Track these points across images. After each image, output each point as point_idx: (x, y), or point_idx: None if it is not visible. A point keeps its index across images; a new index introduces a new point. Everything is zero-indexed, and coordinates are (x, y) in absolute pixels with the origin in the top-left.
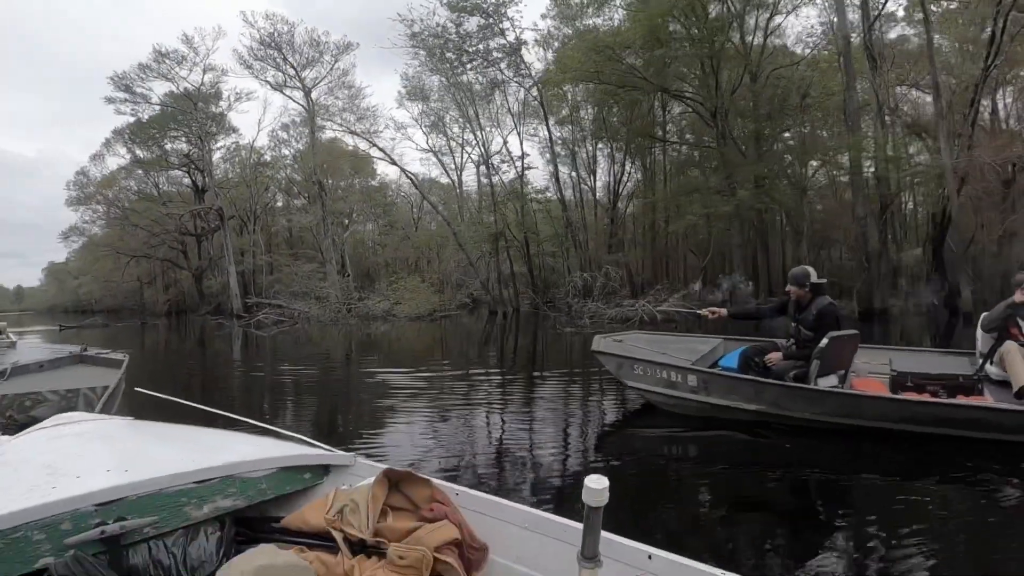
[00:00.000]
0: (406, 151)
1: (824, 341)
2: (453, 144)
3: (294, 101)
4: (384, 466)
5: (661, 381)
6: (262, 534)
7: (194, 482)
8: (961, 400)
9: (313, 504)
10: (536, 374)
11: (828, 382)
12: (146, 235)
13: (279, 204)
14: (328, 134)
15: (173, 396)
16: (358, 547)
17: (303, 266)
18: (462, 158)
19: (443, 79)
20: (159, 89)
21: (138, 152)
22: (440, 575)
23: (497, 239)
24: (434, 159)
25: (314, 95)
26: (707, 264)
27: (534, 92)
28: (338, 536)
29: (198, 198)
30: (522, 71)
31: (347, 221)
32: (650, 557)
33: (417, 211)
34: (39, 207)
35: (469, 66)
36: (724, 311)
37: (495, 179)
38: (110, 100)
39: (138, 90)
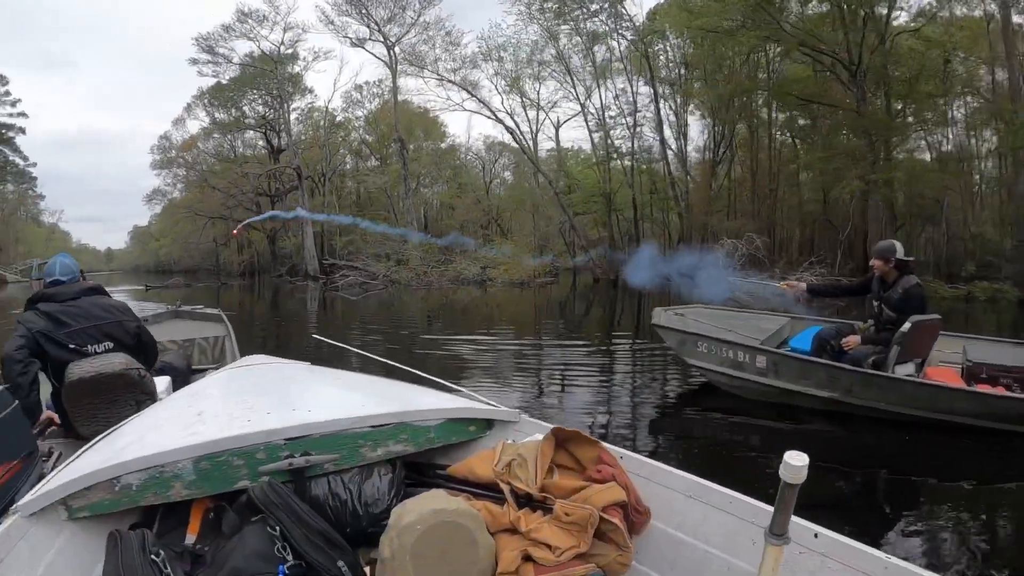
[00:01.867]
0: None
1: (907, 325)
2: (526, 104)
3: (375, 56)
4: (550, 425)
5: (727, 361)
6: (428, 479)
7: (370, 426)
8: None
9: (480, 455)
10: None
11: (905, 370)
12: (223, 197)
13: (348, 166)
14: (400, 96)
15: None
16: (523, 501)
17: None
18: (537, 121)
19: (541, 29)
20: (241, 50)
21: (217, 114)
22: (603, 535)
23: (609, 199)
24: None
25: (397, 50)
26: (845, 238)
27: (620, 51)
28: (505, 488)
29: (273, 159)
30: (623, 23)
31: (415, 184)
32: (816, 536)
33: (489, 174)
34: (122, 176)
35: (572, 15)
36: (803, 285)
37: (596, 137)
38: (194, 61)
39: (220, 50)
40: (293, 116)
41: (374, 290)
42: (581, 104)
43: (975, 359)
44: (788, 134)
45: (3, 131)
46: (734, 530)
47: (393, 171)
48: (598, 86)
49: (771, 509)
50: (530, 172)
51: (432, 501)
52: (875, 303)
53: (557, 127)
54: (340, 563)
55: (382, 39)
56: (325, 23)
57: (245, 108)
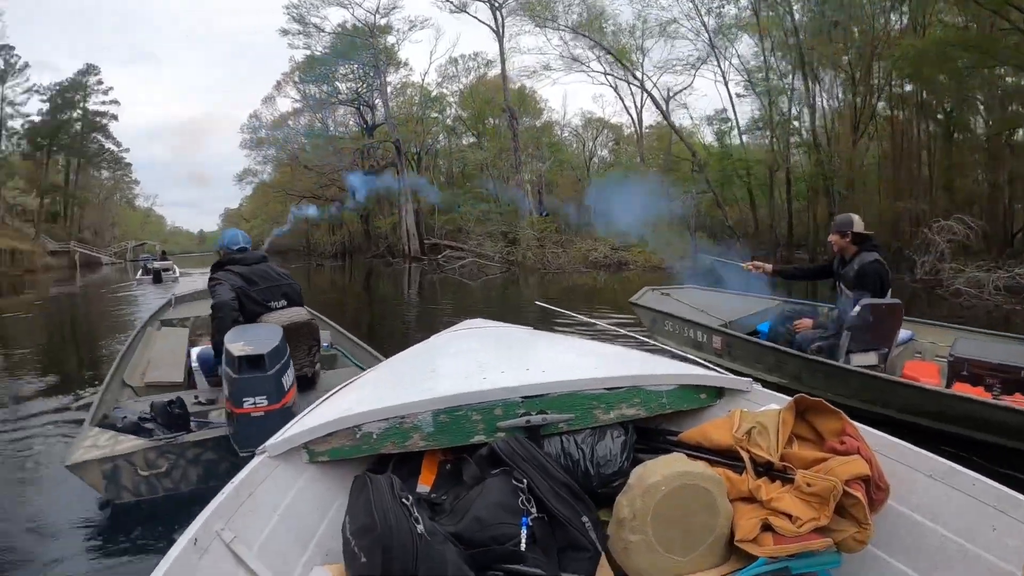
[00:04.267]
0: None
1: (856, 308)
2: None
3: (479, 20)
4: (782, 395)
5: (688, 341)
6: (659, 444)
7: (605, 388)
8: (1006, 400)
9: (714, 422)
10: None
11: (865, 360)
12: (315, 175)
13: (441, 144)
14: (495, 72)
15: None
16: (762, 469)
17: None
18: (642, 95)
19: None
20: (333, 19)
21: (309, 89)
22: (843, 509)
23: (773, 174)
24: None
25: (504, 12)
26: None
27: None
28: (745, 456)
29: (367, 136)
30: None
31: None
32: None
33: (590, 150)
34: (209, 162)
35: None
36: (768, 267)
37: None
38: (284, 32)
39: (312, 20)
40: (388, 90)
41: (493, 273)
42: (720, 68)
43: (960, 354)
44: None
45: (97, 119)
46: (976, 516)
47: (493, 146)
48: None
49: (1016, 495)
50: (633, 150)
51: (676, 463)
52: (836, 283)
53: (668, 98)
54: (584, 518)
55: (487, 0)
56: None
57: (337, 83)
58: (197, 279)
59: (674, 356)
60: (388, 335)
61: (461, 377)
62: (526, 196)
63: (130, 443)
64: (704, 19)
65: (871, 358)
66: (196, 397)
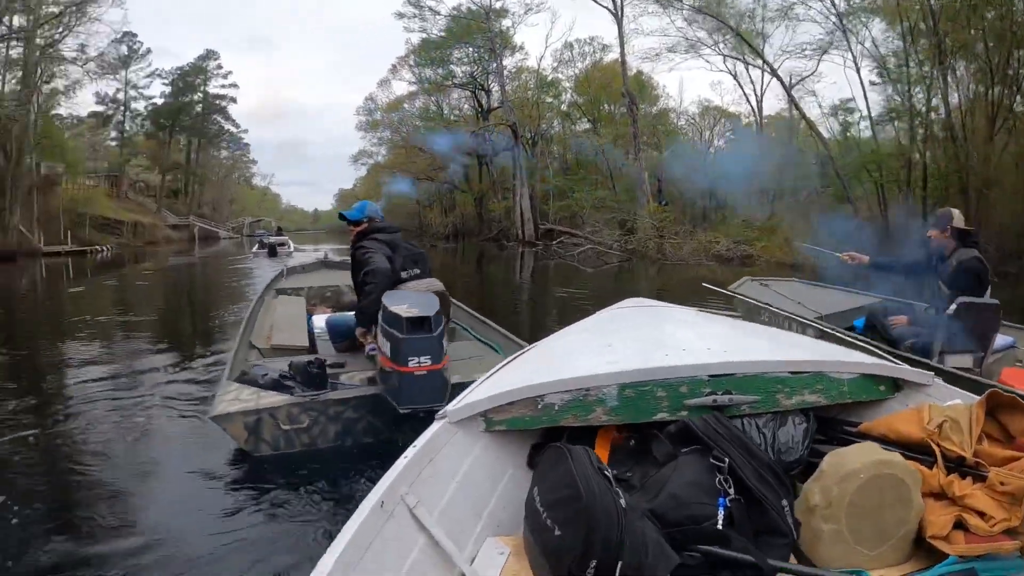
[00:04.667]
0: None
1: (952, 307)
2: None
3: (596, 3)
4: (964, 391)
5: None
6: (837, 434)
7: (789, 372)
8: None
9: (901, 415)
10: None
11: (959, 361)
12: (429, 157)
13: (555, 130)
14: (610, 56)
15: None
16: (952, 465)
17: (596, 192)
18: (762, 82)
19: None
20: (449, 1)
21: (424, 72)
22: None
23: (909, 168)
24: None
25: None
26: None
27: None
28: (937, 450)
29: (482, 120)
30: None
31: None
32: None
33: (707, 140)
34: (326, 143)
35: None
36: (865, 258)
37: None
38: (400, 15)
39: (427, 2)
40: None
41: (611, 262)
42: (852, 52)
43: None
44: None
45: (217, 101)
46: None
47: (609, 132)
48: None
49: None
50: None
51: (873, 452)
52: (936, 280)
53: (789, 86)
54: (784, 501)
55: None
56: None
57: (452, 66)
58: (309, 254)
59: (853, 346)
60: (506, 315)
61: (640, 353)
62: (644, 184)
63: (274, 398)
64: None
65: (966, 360)
66: (324, 360)
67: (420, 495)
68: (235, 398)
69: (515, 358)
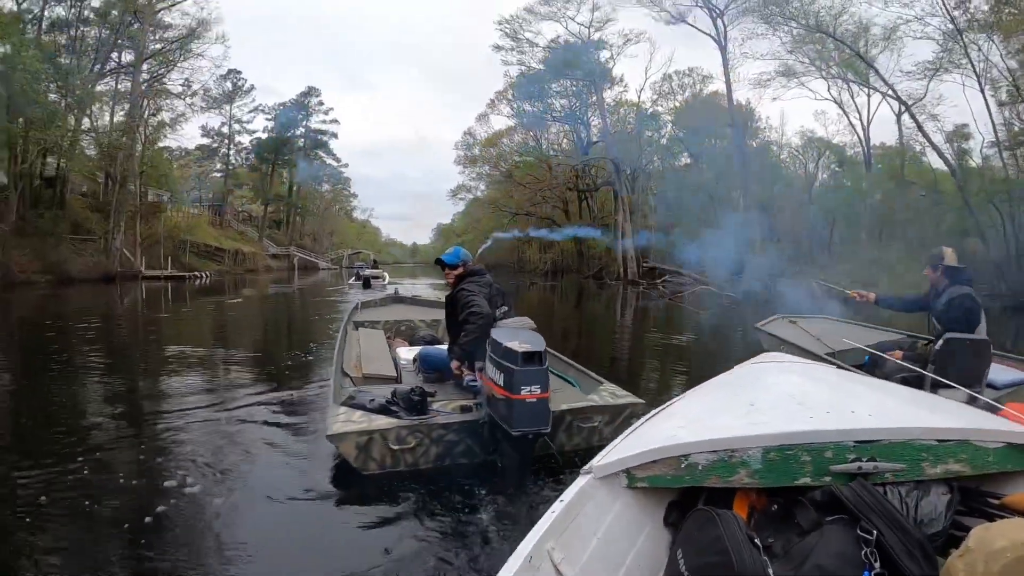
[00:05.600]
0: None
1: (939, 343)
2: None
3: (698, 30)
4: None
5: None
6: (979, 506)
7: (936, 439)
8: None
9: None
10: None
11: (954, 396)
12: (528, 192)
13: (655, 165)
14: (711, 88)
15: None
16: None
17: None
18: (869, 108)
19: None
20: (547, 33)
21: (523, 106)
22: None
23: None
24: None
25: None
26: None
27: None
28: None
29: (581, 154)
30: None
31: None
32: None
33: (808, 174)
34: (422, 179)
35: None
36: (872, 295)
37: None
38: (497, 48)
39: (525, 35)
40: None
41: (724, 303)
42: (975, 72)
43: None
44: None
45: (319, 136)
46: None
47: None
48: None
49: None
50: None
51: (1022, 530)
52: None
53: (899, 112)
54: None
55: (707, 8)
56: None
57: (551, 100)
58: (407, 287)
59: (995, 410)
60: (615, 361)
61: (784, 414)
62: (752, 219)
63: (384, 421)
64: (952, 15)
65: (958, 395)
66: (425, 389)
67: (564, 550)
68: (347, 420)
69: (656, 413)
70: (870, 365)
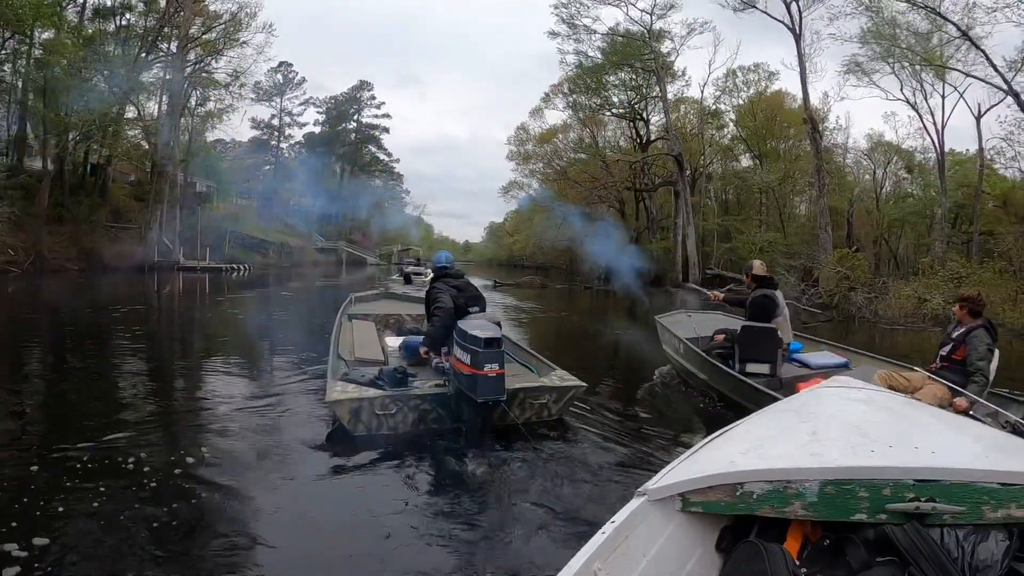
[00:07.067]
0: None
1: (738, 328)
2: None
3: (772, 17)
4: None
5: (672, 347)
6: None
7: (999, 483)
8: None
9: None
10: None
11: (757, 368)
12: (584, 191)
13: (714, 166)
14: (776, 86)
15: None
16: None
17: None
18: (943, 111)
19: None
20: (606, 19)
21: (579, 100)
22: None
23: None
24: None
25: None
26: None
27: None
28: None
29: (640, 151)
30: None
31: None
32: None
33: (881, 177)
34: (475, 177)
35: None
36: (721, 295)
37: None
38: (553, 34)
39: (582, 21)
40: (660, 107)
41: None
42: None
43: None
44: None
45: (371, 131)
46: None
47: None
48: None
49: None
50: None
51: None
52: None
53: (979, 114)
54: None
55: None
56: None
57: (608, 93)
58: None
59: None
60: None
61: (846, 446)
62: (828, 225)
63: (372, 392)
64: None
65: (764, 368)
66: (406, 368)
67: (612, 571)
68: (343, 390)
69: (715, 437)
70: (705, 340)
